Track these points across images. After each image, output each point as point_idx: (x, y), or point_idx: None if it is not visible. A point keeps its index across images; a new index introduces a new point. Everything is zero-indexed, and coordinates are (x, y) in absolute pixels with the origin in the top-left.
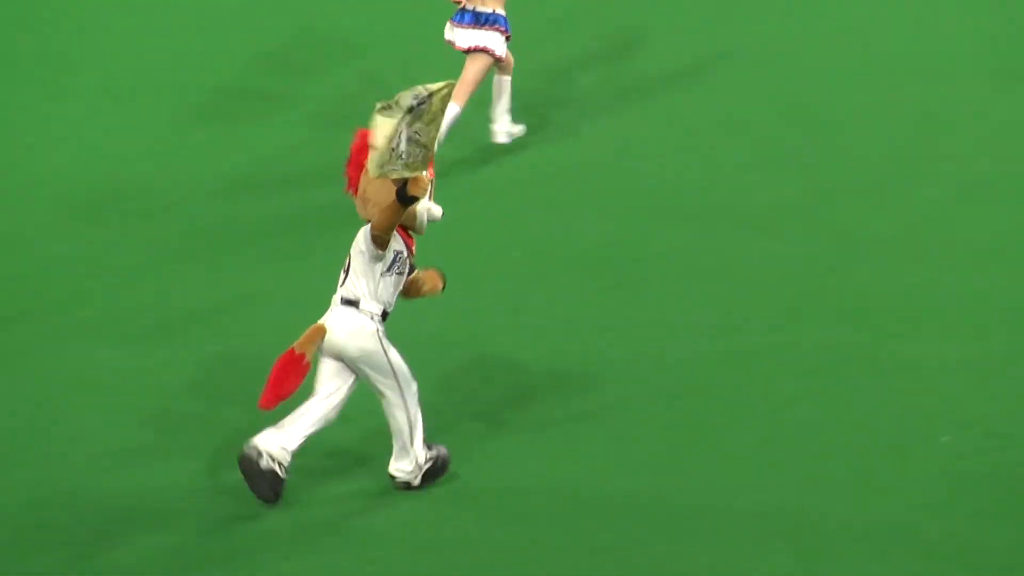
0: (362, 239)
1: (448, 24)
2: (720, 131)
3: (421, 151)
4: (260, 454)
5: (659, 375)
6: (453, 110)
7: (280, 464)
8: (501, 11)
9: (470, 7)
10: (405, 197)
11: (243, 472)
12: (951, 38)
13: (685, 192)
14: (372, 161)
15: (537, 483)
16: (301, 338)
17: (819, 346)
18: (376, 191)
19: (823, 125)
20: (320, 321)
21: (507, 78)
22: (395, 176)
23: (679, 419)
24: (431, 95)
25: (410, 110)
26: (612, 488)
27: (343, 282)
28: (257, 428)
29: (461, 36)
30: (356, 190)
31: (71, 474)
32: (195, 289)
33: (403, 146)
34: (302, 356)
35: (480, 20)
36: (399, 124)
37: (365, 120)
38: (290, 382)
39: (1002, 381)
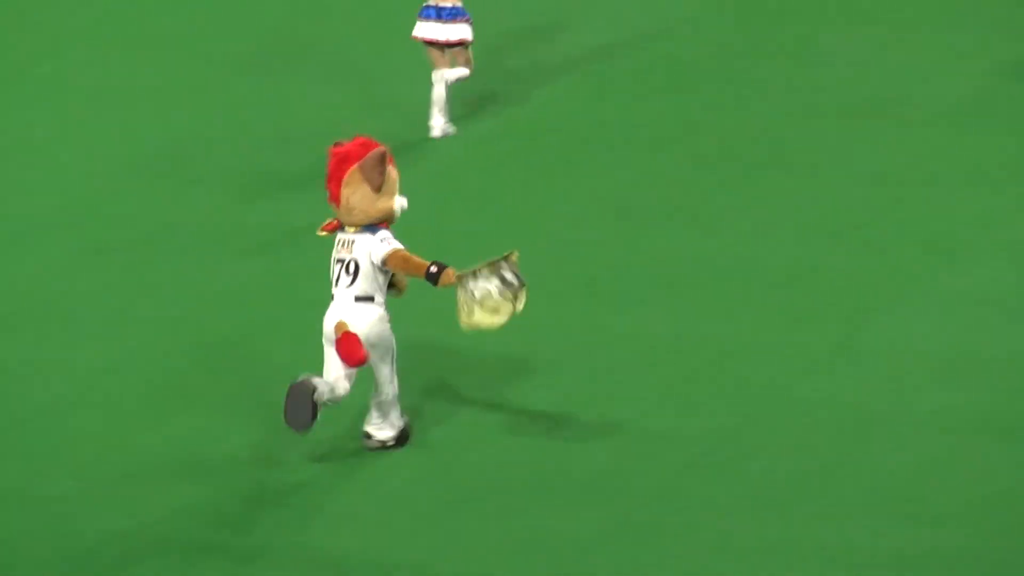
0: (369, 248)
1: (418, 21)
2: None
3: (510, 288)
4: (315, 388)
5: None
6: (461, 71)
7: (322, 403)
8: (459, 3)
9: (434, 3)
10: (436, 279)
11: (292, 398)
12: None
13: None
14: (462, 305)
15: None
16: (337, 333)
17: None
18: (360, 200)
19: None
20: (337, 319)
21: (449, 83)
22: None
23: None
24: (512, 267)
25: (502, 279)
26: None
27: (351, 283)
28: None
29: (438, 31)
30: (339, 202)
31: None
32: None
33: (496, 292)
34: (346, 333)
35: (444, 14)
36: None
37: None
38: (356, 344)
39: None
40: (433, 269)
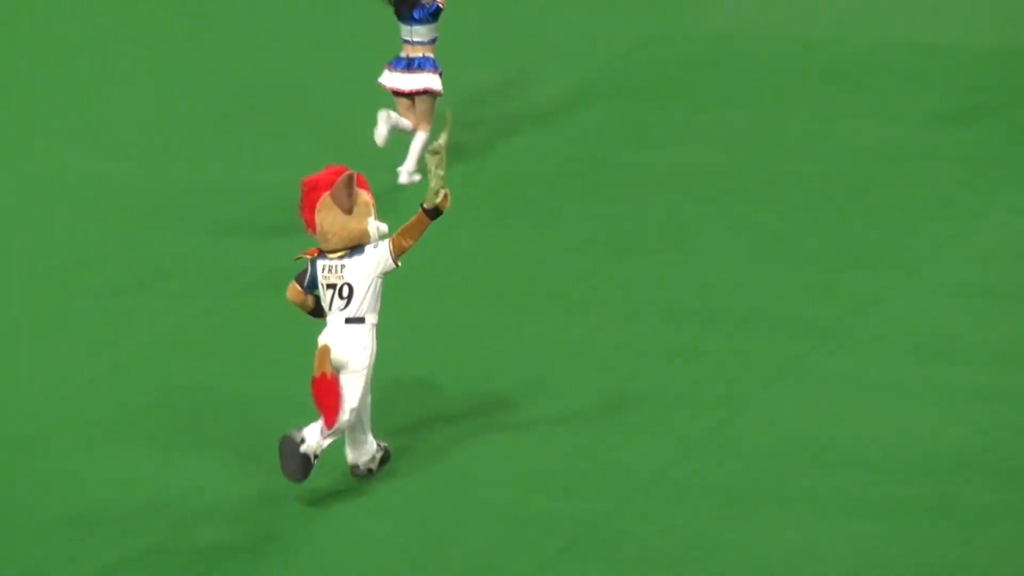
0: (373, 264)
1: (386, 71)
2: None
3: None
4: (302, 439)
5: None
6: (420, 137)
7: (314, 454)
8: (431, 55)
9: (403, 55)
10: (437, 212)
11: (282, 452)
12: None
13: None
14: (431, 194)
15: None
16: (316, 364)
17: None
18: (332, 223)
19: None
20: (323, 342)
21: (424, 135)
22: (435, 201)
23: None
24: (446, 136)
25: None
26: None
27: (345, 306)
28: None
29: (402, 80)
30: (314, 229)
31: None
32: None
33: (435, 183)
34: (324, 375)
35: (413, 65)
36: (439, 164)
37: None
38: (335, 398)
39: None
40: (427, 206)
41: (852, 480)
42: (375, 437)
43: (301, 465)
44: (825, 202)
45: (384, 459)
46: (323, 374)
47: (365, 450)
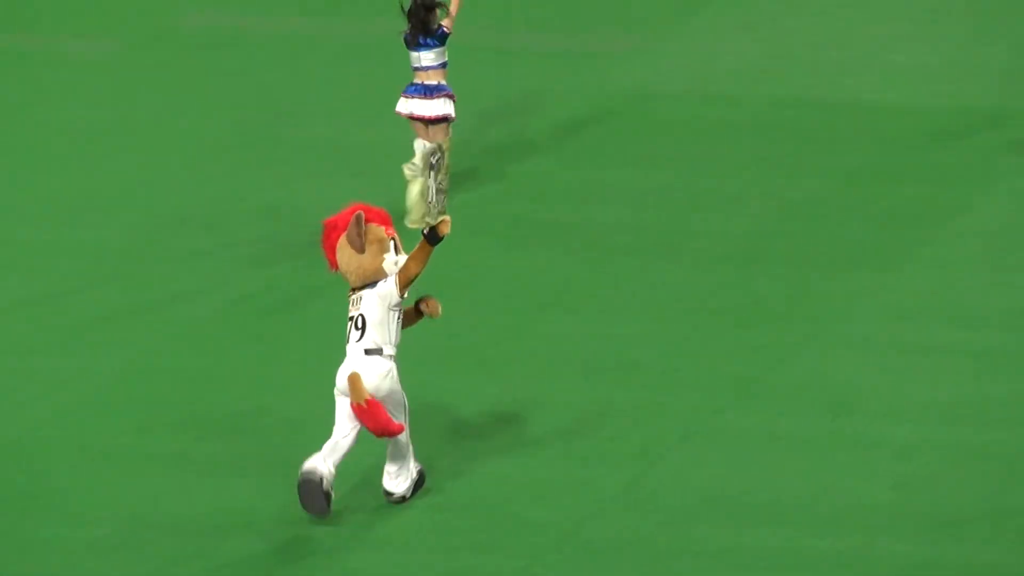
0: (381, 296)
1: (402, 98)
2: None
3: (444, 197)
4: (321, 478)
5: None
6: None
7: (331, 485)
8: (443, 81)
9: (419, 81)
10: (436, 238)
11: (304, 491)
12: None
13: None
14: (411, 216)
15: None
16: (352, 393)
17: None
18: (348, 262)
19: None
20: (350, 371)
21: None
22: (431, 223)
23: None
24: (442, 149)
25: (430, 167)
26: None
27: (360, 337)
28: None
29: (421, 107)
30: (337, 268)
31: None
32: None
33: (433, 197)
34: (367, 402)
35: (430, 91)
36: (426, 181)
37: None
38: (384, 415)
39: None
40: (426, 231)
41: (769, 535)
42: (416, 461)
43: (325, 501)
44: (737, 258)
45: (418, 483)
46: (365, 401)
47: (403, 479)
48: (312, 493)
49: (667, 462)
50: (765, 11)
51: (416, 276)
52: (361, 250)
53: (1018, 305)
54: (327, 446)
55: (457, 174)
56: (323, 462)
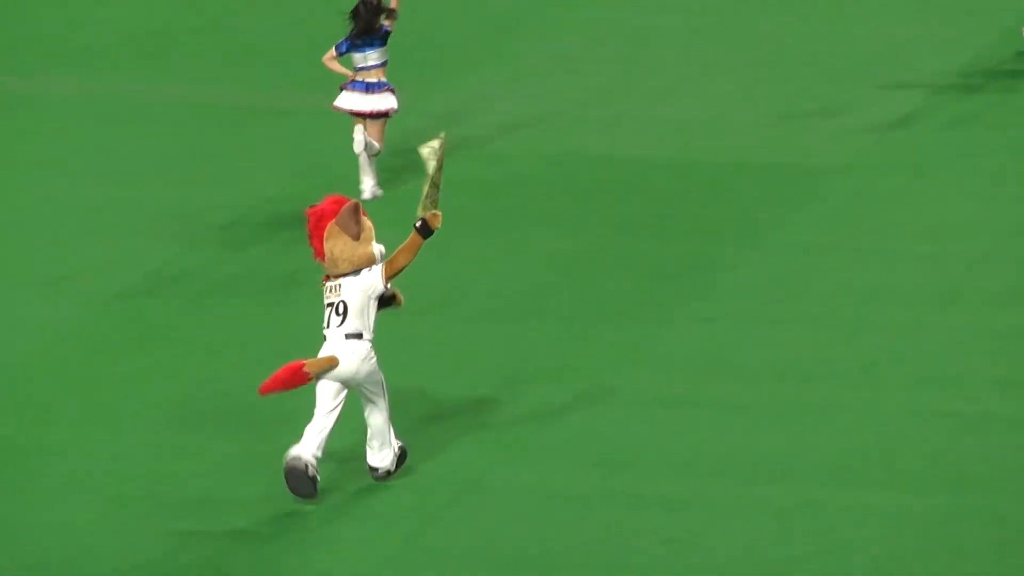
0: (364, 284)
1: (343, 93)
2: None
3: (438, 192)
4: (306, 464)
5: None
6: (374, 147)
7: (317, 469)
8: (384, 78)
9: (360, 79)
10: (428, 231)
11: (291, 478)
12: None
13: None
14: (425, 203)
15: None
16: (315, 361)
17: None
18: (342, 250)
19: None
20: (330, 354)
21: (373, 156)
22: (428, 213)
23: None
24: (441, 147)
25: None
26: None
27: (341, 323)
28: None
29: (362, 102)
30: (324, 256)
31: None
32: None
33: (429, 190)
34: (307, 375)
35: (371, 88)
36: (435, 174)
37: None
38: (286, 385)
39: None
40: (418, 224)
41: None
42: (396, 437)
43: (312, 485)
44: (506, 313)
45: (401, 458)
46: (305, 363)
47: (386, 453)
48: (299, 479)
49: (443, 519)
50: (533, 68)
51: (403, 268)
52: (357, 237)
53: (785, 358)
54: (309, 430)
55: None
56: (306, 448)
